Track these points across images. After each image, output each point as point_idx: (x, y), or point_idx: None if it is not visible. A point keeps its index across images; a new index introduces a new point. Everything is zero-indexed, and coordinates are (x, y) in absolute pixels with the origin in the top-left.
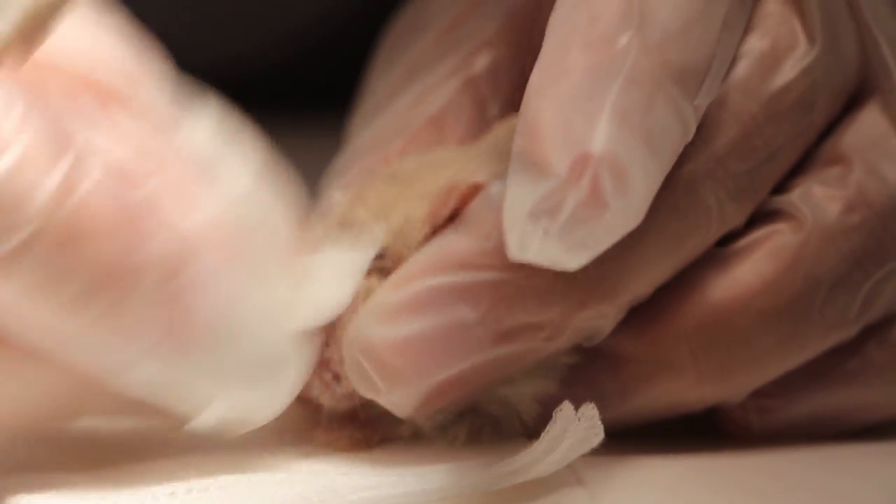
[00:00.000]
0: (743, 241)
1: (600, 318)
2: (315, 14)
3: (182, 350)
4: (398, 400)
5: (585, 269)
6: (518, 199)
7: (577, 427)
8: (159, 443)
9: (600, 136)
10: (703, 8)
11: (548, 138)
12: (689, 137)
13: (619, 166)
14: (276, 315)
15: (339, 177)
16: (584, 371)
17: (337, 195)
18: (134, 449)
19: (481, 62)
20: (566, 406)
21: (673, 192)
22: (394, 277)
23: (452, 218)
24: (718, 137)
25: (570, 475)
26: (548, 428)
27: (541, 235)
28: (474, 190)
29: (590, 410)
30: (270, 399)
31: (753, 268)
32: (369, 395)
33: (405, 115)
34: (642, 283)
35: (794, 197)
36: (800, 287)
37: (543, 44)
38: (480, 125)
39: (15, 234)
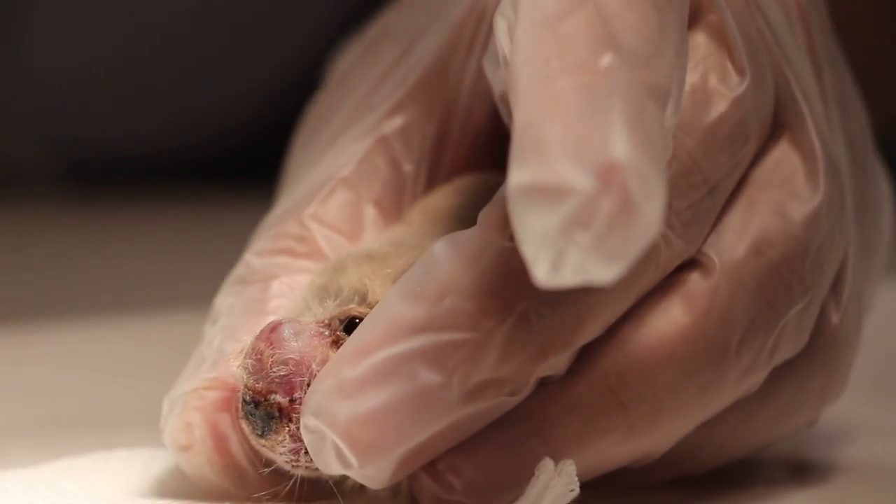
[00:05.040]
0: (654, 289)
1: (558, 365)
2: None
3: None
4: (373, 473)
5: (542, 317)
6: (538, 225)
7: (556, 483)
8: None
9: (619, 145)
10: (660, 33)
11: (561, 159)
12: (669, 154)
13: (641, 171)
14: None
15: (254, 243)
16: (514, 439)
17: (254, 260)
18: None
19: (393, 123)
20: (546, 462)
21: None
22: (346, 351)
23: None
24: None
25: None
26: (531, 483)
27: (576, 250)
28: None
29: (568, 467)
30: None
31: (668, 317)
32: (342, 472)
33: (320, 179)
34: (599, 324)
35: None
36: (715, 332)
37: (512, 85)
38: (396, 183)
39: None
